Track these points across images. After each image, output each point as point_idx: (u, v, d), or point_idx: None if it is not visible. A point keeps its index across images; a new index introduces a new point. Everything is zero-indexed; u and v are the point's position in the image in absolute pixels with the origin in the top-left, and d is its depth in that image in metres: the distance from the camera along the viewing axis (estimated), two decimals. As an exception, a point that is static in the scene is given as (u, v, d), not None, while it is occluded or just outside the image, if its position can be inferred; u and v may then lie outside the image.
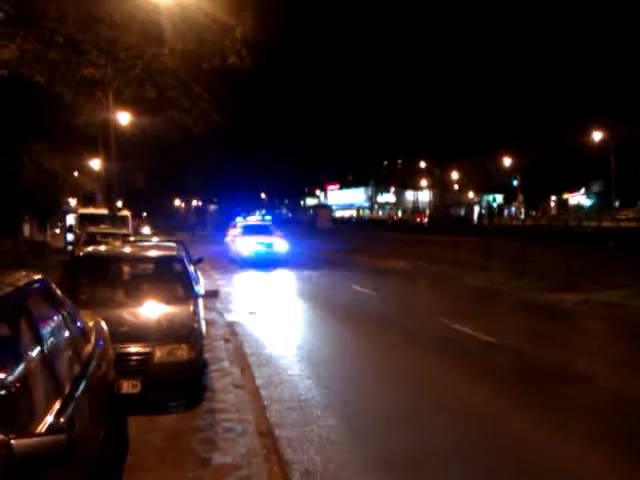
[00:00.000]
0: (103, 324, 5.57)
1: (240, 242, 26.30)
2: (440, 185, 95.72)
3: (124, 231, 22.72)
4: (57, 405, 3.20)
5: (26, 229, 37.54)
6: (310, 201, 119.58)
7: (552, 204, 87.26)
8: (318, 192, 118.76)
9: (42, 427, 2.88)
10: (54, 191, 32.73)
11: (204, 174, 74.07)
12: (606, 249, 24.11)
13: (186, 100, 12.57)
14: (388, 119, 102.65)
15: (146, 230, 48.13)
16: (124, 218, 29.47)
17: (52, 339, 3.67)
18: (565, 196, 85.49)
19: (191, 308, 7.52)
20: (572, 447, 5.76)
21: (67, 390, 3.50)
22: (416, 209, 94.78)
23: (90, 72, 11.23)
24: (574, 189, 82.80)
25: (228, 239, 30.22)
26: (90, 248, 10.16)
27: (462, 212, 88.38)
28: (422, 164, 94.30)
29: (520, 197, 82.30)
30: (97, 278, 8.38)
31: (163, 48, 11.35)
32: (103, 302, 7.33)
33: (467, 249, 23.38)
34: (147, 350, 6.44)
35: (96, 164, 35.81)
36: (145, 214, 72.06)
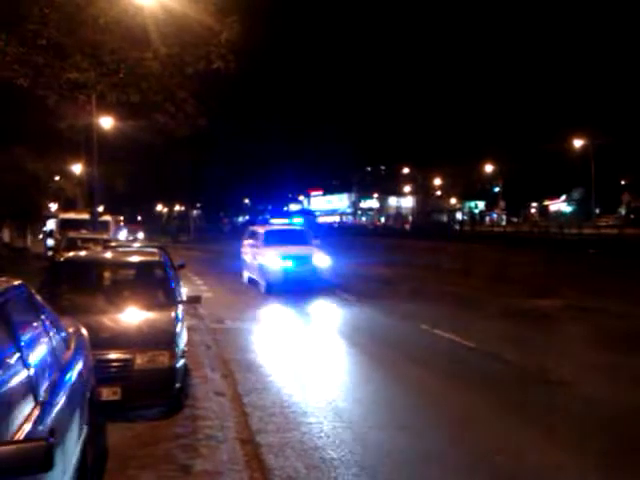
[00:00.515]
0: (83, 330, 5.52)
1: (262, 256, 18.69)
2: (423, 191, 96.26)
3: (105, 236, 22.56)
4: (36, 412, 3.17)
5: (6, 234, 37.15)
6: (294, 207, 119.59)
7: (533, 211, 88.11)
8: (302, 198, 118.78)
9: (21, 434, 2.84)
10: (36, 196, 32.45)
11: (187, 178, 73.75)
12: (587, 255, 24.39)
13: (170, 104, 12.54)
14: (371, 125, 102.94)
15: (140, 236, 47.54)
16: (105, 223, 29.28)
17: (31, 345, 3.63)
18: (546, 203, 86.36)
19: (173, 314, 7.47)
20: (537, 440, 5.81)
21: (47, 397, 3.47)
22: (399, 215, 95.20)
23: (74, 76, 11.18)
24: (555, 196, 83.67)
25: (244, 252, 21.85)
26: (71, 253, 10.07)
27: (444, 218, 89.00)
28: (405, 170, 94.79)
29: (501, 204, 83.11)
30: (78, 284, 8.30)
31: (147, 52, 11.32)
32: (83, 308, 7.26)
33: (448, 255, 23.52)
34: (128, 357, 6.39)
35: (78, 169, 35.57)
36: (140, 218, 71.36)
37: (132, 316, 7.34)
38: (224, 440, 5.90)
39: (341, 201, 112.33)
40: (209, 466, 5.29)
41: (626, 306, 13.90)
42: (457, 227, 76.28)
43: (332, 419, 6.89)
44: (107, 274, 8.72)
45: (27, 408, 3.11)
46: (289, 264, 18.12)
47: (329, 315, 15.44)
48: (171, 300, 7.95)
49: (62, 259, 9.25)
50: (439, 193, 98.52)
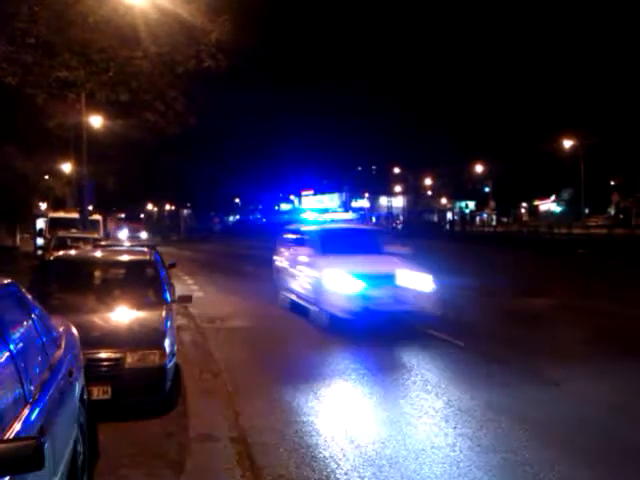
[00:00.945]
0: (74, 329, 5.50)
1: (318, 271, 12.22)
2: (414, 191, 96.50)
3: (95, 235, 22.50)
4: (26, 411, 3.16)
5: (-5, 233, 36.96)
6: (285, 207, 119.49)
7: (523, 211, 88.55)
8: (292, 197, 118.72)
9: (11, 433, 2.83)
10: (25, 194, 32.28)
11: (177, 177, 73.59)
12: (576, 255, 24.54)
13: (160, 103, 12.53)
14: (363, 125, 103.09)
15: (144, 235, 46.97)
16: (95, 222, 29.18)
17: (21, 344, 3.62)
18: (536, 203, 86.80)
19: (163, 313, 7.45)
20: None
21: (37, 396, 3.46)
22: (390, 215, 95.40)
23: (63, 74, 11.14)
24: (545, 196, 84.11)
25: (280, 262, 15.49)
26: (60, 252, 10.03)
27: (435, 218, 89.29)
28: (396, 170, 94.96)
29: (492, 204, 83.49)
30: (68, 283, 8.27)
31: (137, 51, 11.30)
32: (74, 307, 7.25)
33: (439, 254, 23.59)
34: (118, 356, 6.38)
35: (67, 168, 35.40)
36: (142, 216, 70.65)
37: (123, 315, 7.33)
38: (215, 439, 5.89)
39: (332, 201, 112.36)
40: (200, 464, 5.29)
41: (614, 305, 14.02)
42: (447, 227, 76.56)
43: (326, 418, 6.89)
44: (97, 273, 8.69)
45: (17, 407, 3.10)
46: (370, 291, 11.22)
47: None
48: (162, 299, 7.93)
49: (52, 258, 9.23)
50: (430, 193, 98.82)
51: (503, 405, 7.19)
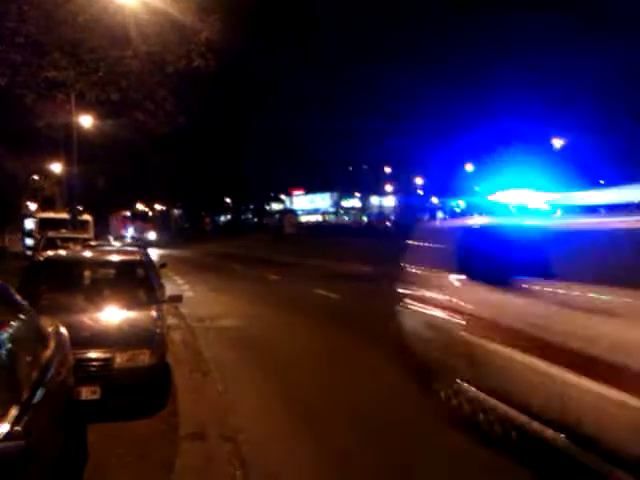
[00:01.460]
0: (63, 329, 5.49)
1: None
2: (404, 190, 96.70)
3: (85, 235, 22.42)
4: (14, 411, 3.16)
5: (-18, 234, 36.74)
6: (276, 206, 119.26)
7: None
8: (283, 197, 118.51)
9: (-1, 433, 2.84)
10: (14, 194, 32.11)
11: (167, 177, 73.28)
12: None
13: (150, 102, 12.51)
14: (353, 124, 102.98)
15: (152, 236, 45.91)
16: (85, 222, 29.09)
17: (10, 344, 3.61)
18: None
19: (153, 313, 7.45)
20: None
21: (25, 396, 3.46)
22: (381, 214, 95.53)
23: (52, 74, 11.11)
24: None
25: (418, 300, 7.25)
26: (50, 253, 9.99)
27: (426, 217, 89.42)
28: (387, 169, 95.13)
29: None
30: (57, 283, 8.25)
31: (127, 50, 11.28)
32: (63, 307, 7.23)
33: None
34: (107, 356, 6.37)
35: (57, 168, 35.22)
36: (151, 214, 69.45)
37: (112, 315, 7.32)
38: (205, 437, 5.90)
39: (323, 200, 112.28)
40: (190, 464, 5.29)
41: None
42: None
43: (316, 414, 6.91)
44: (87, 273, 8.68)
45: (5, 407, 3.10)
46: None
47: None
48: (152, 299, 7.93)
49: (41, 258, 9.19)
50: (421, 192, 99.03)
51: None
